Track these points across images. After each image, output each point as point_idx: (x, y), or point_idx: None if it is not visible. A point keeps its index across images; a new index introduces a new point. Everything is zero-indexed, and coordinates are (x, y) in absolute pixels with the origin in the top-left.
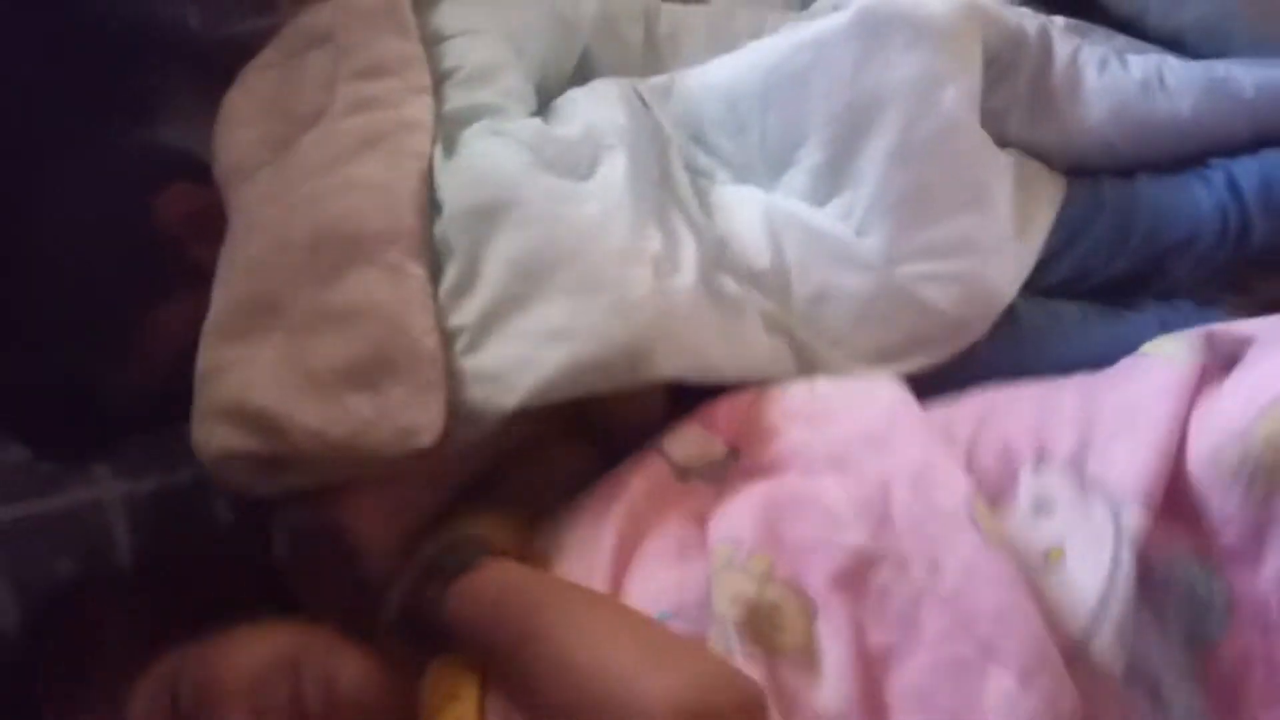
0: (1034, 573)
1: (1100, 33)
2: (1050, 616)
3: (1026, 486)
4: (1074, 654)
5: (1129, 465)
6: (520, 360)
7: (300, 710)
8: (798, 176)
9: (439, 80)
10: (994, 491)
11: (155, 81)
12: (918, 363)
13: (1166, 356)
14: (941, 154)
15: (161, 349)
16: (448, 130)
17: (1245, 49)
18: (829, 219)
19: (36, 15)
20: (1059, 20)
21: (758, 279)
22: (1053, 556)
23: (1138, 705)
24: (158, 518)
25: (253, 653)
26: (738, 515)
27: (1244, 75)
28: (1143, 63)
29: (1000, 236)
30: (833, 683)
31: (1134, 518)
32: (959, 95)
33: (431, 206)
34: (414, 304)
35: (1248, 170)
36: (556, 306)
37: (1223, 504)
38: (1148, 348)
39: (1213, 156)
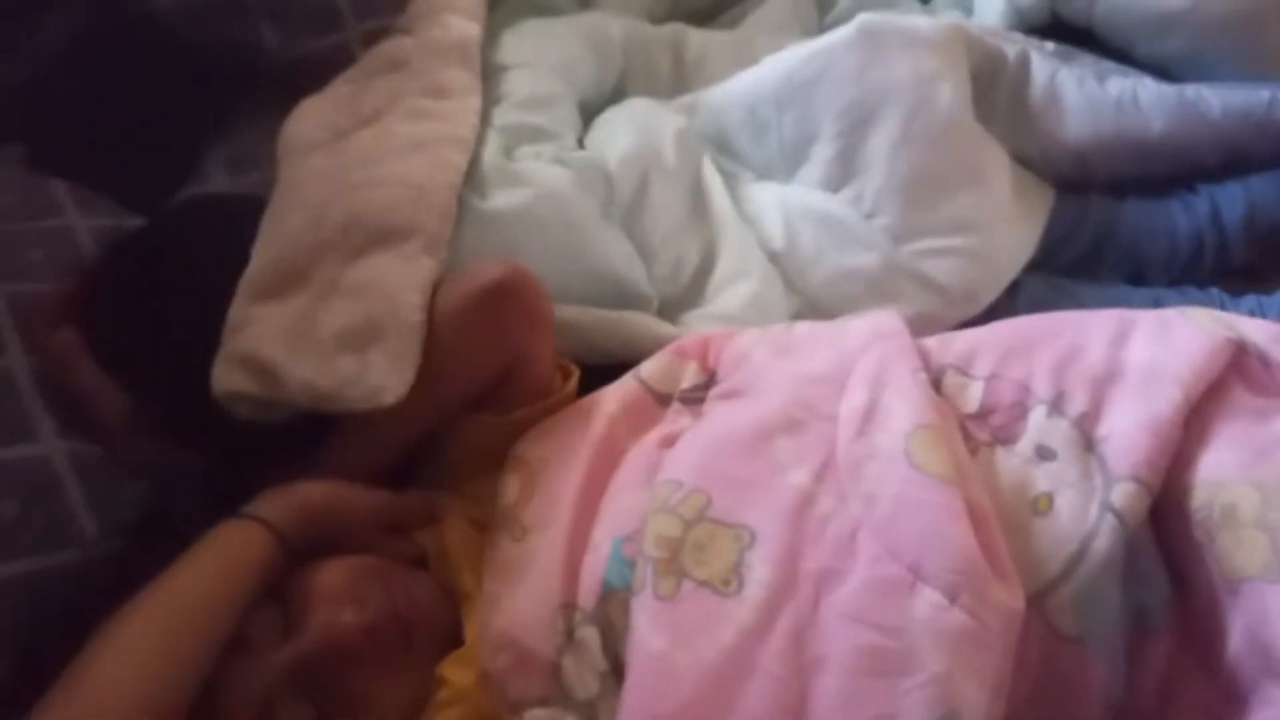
0: (1016, 511)
1: (1088, 58)
2: (1021, 559)
3: (1035, 428)
4: (1031, 600)
5: (1133, 441)
6: None
7: (391, 605)
8: (813, 170)
9: (496, 101)
10: (1001, 424)
11: (233, 98)
12: (923, 334)
13: (1199, 325)
14: (941, 141)
15: None
16: (508, 140)
17: (1226, 78)
18: (841, 205)
19: (119, 46)
20: (1048, 45)
21: (775, 258)
22: (1041, 504)
23: (1095, 669)
24: None
25: (348, 564)
26: (685, 454)
27: (1214, 98)
28: (1120, 84)
29: (999, 215)
30: (750, 601)
31: (1124, 496)
32: (953, 91)
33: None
34: (414, 286)
35: (1233, 199)
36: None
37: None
38: (1189, 310)
39: (1184, 176)
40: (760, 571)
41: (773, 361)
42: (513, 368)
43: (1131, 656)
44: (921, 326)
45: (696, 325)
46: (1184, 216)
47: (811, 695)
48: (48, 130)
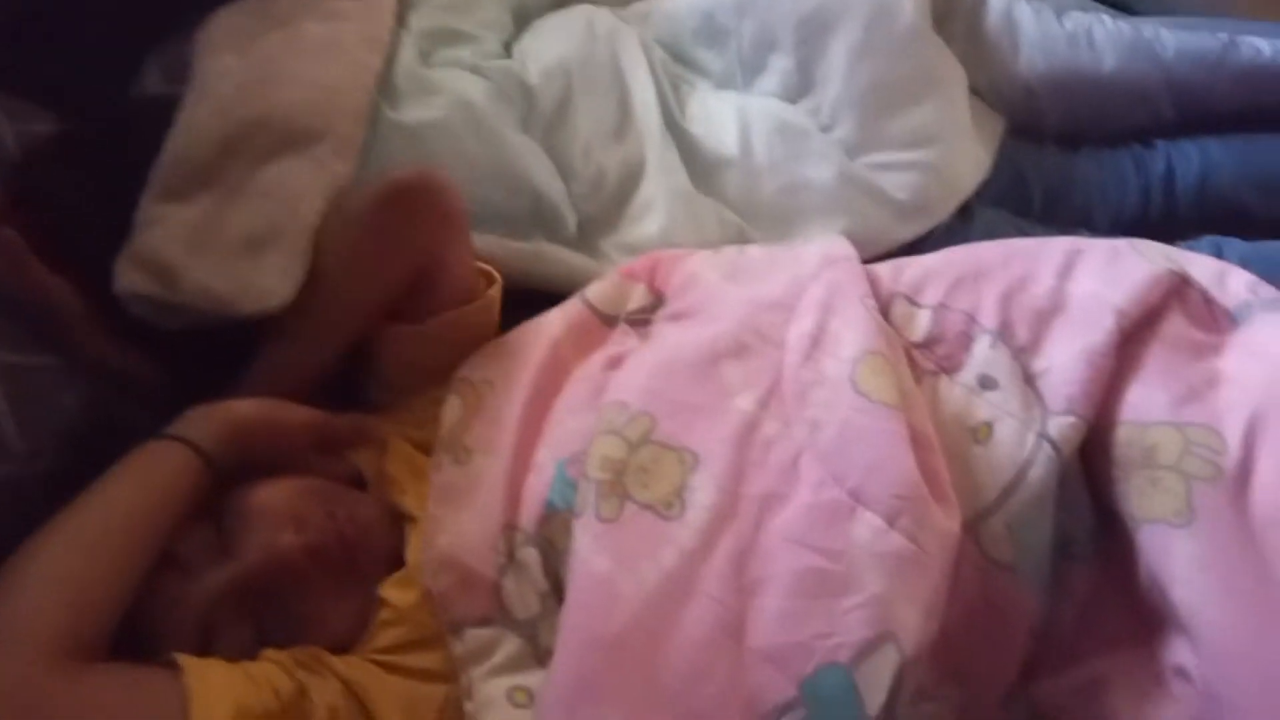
0: (957, 439)
1: None
2: (959, 485)
3: (979, 358)
4: (967, 526)
5: (1070, 374)
6: None
7: (334, 525)
8: (772, 80)
9: (416, 5)
10: (946, 353)
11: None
12: (875, 249)
13: (1145, 256)
14: (901, 53)
15: None
16: (424, 44)
17: (1189, 14)
18: (799, 115)
19: None
20: None
21: (728, 165)
22: (981, 433)
23: (1026, 596)
24: None
25: (288, 484)
26: (632, 376)
27: (1170, 39)
28: (1077, 19)
29: (957, 128)
30: (692, 524)
31: (1061, 427)
32: (914, 2)
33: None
34: (318, 191)
35: (1188, 164)
36: None
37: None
38: (1140, 242)
39: (1139, 125)
40: (703, 495)
41: (723, 285)
42: (427, 271)
43: (1057, 583)
44: (872, 241)
45: (611, 255)
46: (1134, 173)
47: (751, 616)
48: None
